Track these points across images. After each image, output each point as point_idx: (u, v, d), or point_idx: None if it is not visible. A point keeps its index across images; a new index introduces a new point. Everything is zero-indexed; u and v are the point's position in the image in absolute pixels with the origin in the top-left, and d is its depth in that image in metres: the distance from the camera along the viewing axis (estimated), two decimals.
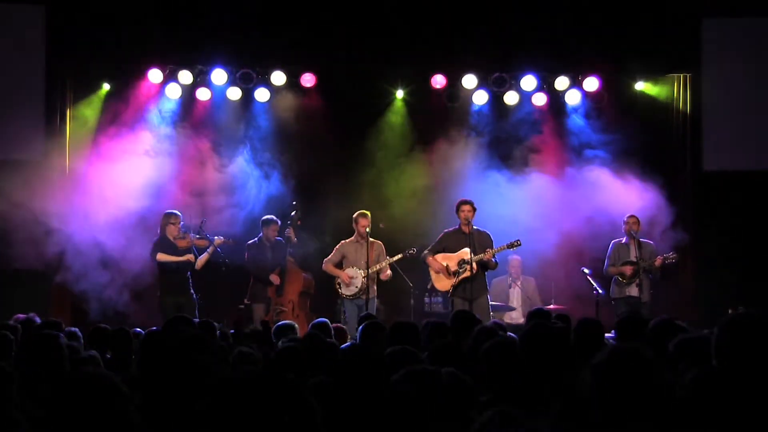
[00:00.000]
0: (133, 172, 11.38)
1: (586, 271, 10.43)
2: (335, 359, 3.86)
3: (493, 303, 10.59)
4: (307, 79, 11.97)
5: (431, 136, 12.00)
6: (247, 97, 12.08)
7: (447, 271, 10.02)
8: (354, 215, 10.40)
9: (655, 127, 11.92)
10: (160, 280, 10.29)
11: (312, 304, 10.96)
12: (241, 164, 11.83)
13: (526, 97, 12.11)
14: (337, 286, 10.40)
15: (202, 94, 12.00)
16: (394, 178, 11.89)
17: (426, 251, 10.16)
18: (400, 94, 12.16)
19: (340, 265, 10.41)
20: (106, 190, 11.27)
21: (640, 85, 12.01)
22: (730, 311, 6.93)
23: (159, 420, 2.99)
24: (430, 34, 11.69)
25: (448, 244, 10.08)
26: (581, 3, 11.69)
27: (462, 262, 9.88)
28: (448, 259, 10.04)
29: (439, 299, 11.20)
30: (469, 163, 11.80)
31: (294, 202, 11.09)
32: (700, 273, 11.61)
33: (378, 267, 10.24)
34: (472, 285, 9.83)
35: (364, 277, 10.16)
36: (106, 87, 11.84)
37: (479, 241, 9.95)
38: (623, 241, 10.53)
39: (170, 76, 11.87)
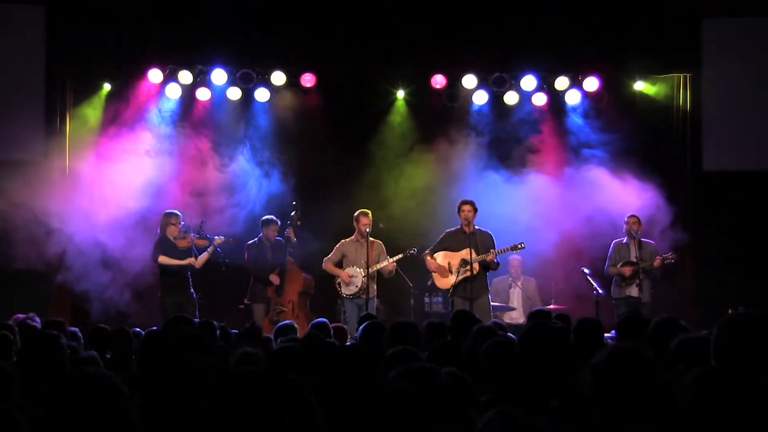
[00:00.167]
0: (134, 172, 11.39)
1: (586, 271, 10.43)
2: (335, 359, 3.86)
3: (494, 303, 10.59)
4: (307, 79, 11.97)
5: (431, 136, 12.00)
6: (247, 97, 12.08)
7: (448, 269, 10.00)
8: (355, 214, 10.40)
9: (655, 127, 11.92)
10: (160, 281, 10.28)
11: (312, 304, 10.96)
12: (242, 164, 11.84)
13: (526, 97, 12.11)
14: (337, 286, 10.40)
15: (202, 94, 12.00)
16: (394, 178, 11.90)
17: (426, 251, 10.16)
18: (401, 94, 12.16)
19: (340, 265, 10.41)
20: (107, 190, 11.28)
21: (640, 85, 12.01)
22: (730, 311, 6.93)
23: (159, 420, 2.99)
24: (430, 34, 11.69)
25: (450, 244, 10.08)
26: (581, 3, 11.69)
27: (464, 262, 9.88)
28: (450, 258, 10.03)
29: (439, 299, 11.21)
30: (469, 163, 11.81)
31: (294, 202, 11.09)
32: (700, 273, 11.61)
33: (378, 266, 10.25)
34: (473, 285, 9.82)
35: (364, 277, 10.16)
36: (106, 87, 11.85)
37: (481, 241, 9.94)
38: (624, 241, 10.53)
39: (170, 76, 11.87)
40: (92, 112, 11.78)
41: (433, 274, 10.16)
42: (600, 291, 10.16)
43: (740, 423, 2.69)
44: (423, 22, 11.66)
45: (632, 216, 10.52)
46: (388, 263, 10.25)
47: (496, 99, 12.17)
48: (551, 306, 10.75)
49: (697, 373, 2.89)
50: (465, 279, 9.83)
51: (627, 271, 10.32)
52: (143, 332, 6.75)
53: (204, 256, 10.32)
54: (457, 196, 10.56)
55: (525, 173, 11.80)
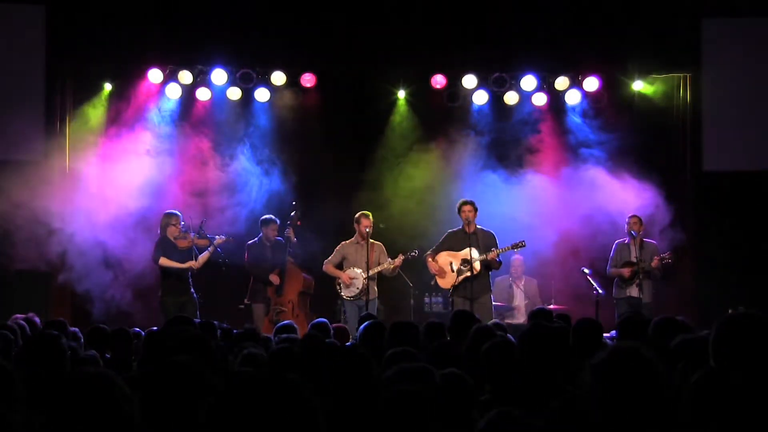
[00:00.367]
0: (134, 171, 11.39)
1: (586, 271, 10.42)
2: (334, 359, 3.87)
3: (496, 303, 10.58)
4: (307, 79, 11.97)
5: (431, 136, 12.01)
6: (247, 97, 12.08)
7: (450, 269, 9.99)
8: (356, 215, 10.39)
9: (655, 127, 11.92)
10: (161, 282, 10.28)
11: (312, 304, 10.96)
12: (242, 163, 11.83)
13: (526, 97, 12.11)
14: (338, 287, 10.39)
15: (202, 94, 12.00)
16: (394, 178, 11.89)
17: (428, 252, 10.16)
18: (401, 94, 12.16)
19: (340, 266, 10.40)
20: (107, 190, 11.29)
21: (640, 85, 12.00)
22: (730, 311, 6.93)
23: (159, 420, 2.99)
24: (430, 34, 11.68)
25: (452, 245, 10.07)
26: (581, 3, 11.70)
27: (465, 262, 9.87)
28: (453, 257, 10.03)
29: (439, 299, 11.21)
30: (469, 163, 11.81)
31: (294, 202, 11.09)
32: (700, 273, 11.61)
33: (379, 268, 10.24)
34: (473, 284, 9.81)
35: (364, 278, 10.15)
36: (107, 87, 11.85)
37: (483, 240, 9.93)
38: (626, 241, 10.53)
39: (170, 76, 11.87)
40: (93, 112, 11.78)
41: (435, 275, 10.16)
42: (600, 291, 10.16)
43: (740, 423, 2.69)
44: (423, 22, 11.66)
45: (633, 216, 10.51)
46: (389, 264, 10.23)
47: (496, 99, 12.17)
48: (551, 306, 10.75)
49: (698, 373, 2.89)
50: (466, 278, 9.82)
51: (626, 272, 10.32)
52: (143, 332, 6.75)
53: (204, 256, 10.32)
54: (458, 196, 10.56)
55: (525, 173, 11.80)
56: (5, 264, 10.90)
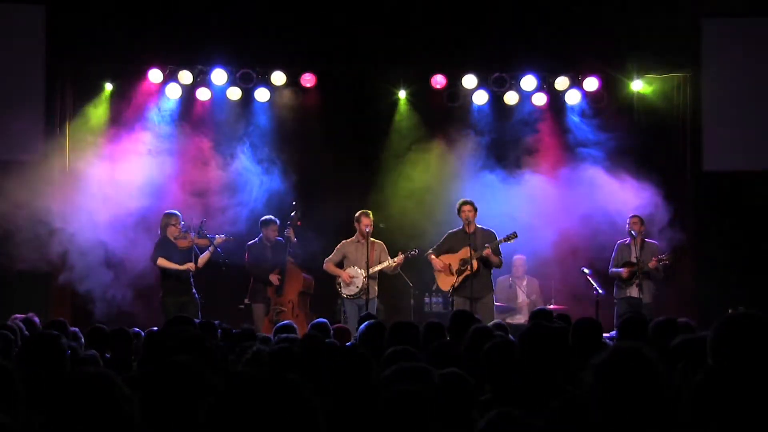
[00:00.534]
0: (135, 171, 11.40)
1: (586, 271, 10.42)
2: (334, 359, 3.87)
3: (498, 304, 10.57)
4: (307, 79, 11.98)
5: (431, 136, 12.01)
6: (247, 97, 12.08)
7: (449, 270, 10.00)
8: (356, 214, 10.38)
9: (654, 127, 11.92)
10: (161, 282, 10.28)
11: (312, 304, 10.96)
12: (242, 163, 11.83)
13: (526, 97, 12.12)
14: (338, 286, 10.40)
15: (202, 94, 12.00)
16: (394, 178, 11.89)
17: (430, 251, 10.16)
18: (402, 94, 12.16)
19: (340, 265, 10.41)
20: (108, 190, 11.28)
21: (640, 85, 12.00)
22: (730, 311, 6.93)
23: (159, 420, 2.99)
24: (430, 34, 11.69)
25: (452, 245, 10.07)
26: (581, 3, 11.70)
27: (463, 261, 9.87)
28: (450, 260, 10.03)
29: (440, 299, 11.21)
30: (469, 163, 11.81)
31: (294, 202, 11.09)
32: (700, 273, 11.61)
33: (379, 267, 10.24)
34: (473, 284, 9.81)
35: (364, 277, 10.15)
36: (108, 87, 11.85)
37: (482, 240, 9.92)
38: (627, 242, 10.53)
39: (170, 76, 11.87)
40: (93, 111, 11.78)
41: (436, 274, 10.15)
42: (600, 291, 10.16)
43: (740, 423, 2.69)
44: (423, 22, 11.67)
45: (634, 216, 10.51)
46: (389, 263, 10.23)
47: (496, 99, 12.17)
48: (551, 306, 10.75)
49: (698, 374, 2.89)
50: (466, 278, 9.82)
51: (624, 272, 10.32)
52: (143, 332, 6.76)
53: (205, 256, 10.33)
54: (458, 196, 10.56)
55: (524, 173, 11.80)
56: (6, 264, 10.90)
